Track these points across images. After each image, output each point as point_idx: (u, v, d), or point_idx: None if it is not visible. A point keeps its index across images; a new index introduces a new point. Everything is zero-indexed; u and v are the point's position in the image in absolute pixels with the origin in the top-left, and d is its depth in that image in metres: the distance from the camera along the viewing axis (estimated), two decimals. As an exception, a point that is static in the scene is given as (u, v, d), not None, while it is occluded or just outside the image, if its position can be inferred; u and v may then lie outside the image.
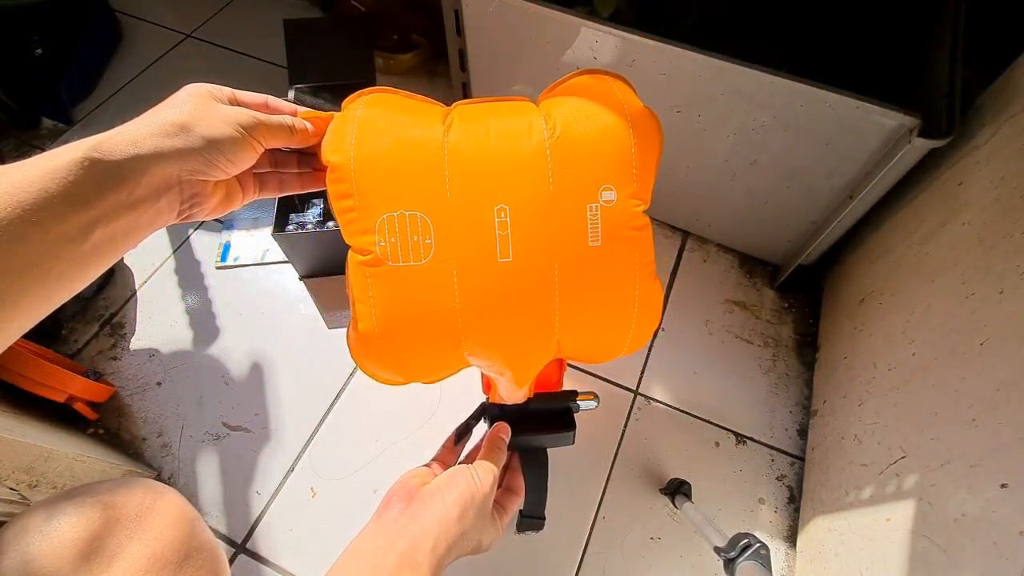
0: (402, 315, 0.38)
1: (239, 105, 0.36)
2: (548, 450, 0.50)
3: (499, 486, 0.46)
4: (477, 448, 0.47)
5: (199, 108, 0.33)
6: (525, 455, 0.49)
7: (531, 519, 0.50)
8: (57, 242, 0.27)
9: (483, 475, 0.41)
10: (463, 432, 0.49)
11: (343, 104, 0.40)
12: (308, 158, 0.42)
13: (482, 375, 0.54)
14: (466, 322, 0.38)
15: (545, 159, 0.37)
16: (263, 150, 0.36)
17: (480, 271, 0.37)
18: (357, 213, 0.37)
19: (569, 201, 0.37)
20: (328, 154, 0.37)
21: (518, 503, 0.47)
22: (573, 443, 0.50)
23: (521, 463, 0.49)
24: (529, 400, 0.49)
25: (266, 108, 0.38)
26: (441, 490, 0.39)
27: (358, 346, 0.39)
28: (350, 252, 0.38)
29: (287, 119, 0.37)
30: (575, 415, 0.52)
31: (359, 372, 0.82)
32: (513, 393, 0.46)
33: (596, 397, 0.53)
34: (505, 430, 0.47)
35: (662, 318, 0.86)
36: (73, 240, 0.27)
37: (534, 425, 0.49)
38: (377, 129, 0.38)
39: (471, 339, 0.39)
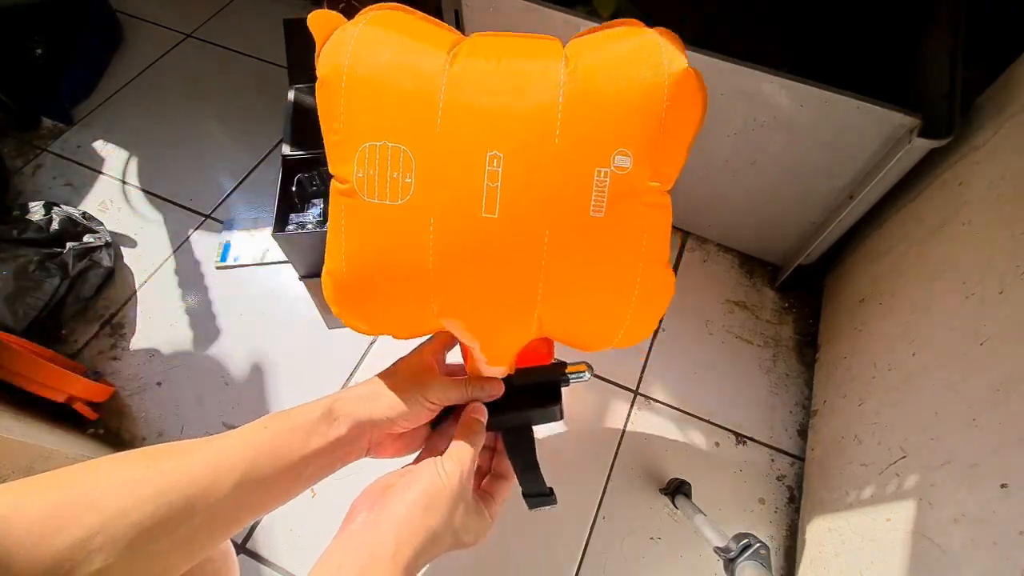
0: (370, 258, 0.36)
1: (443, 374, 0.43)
2: (545, 437, 0.47)
3: (486, 472, 0.45)
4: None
5: (407, 393, 0.41)
6: (508, 435, 0.46)
7: (535, 497, 0.47)
8: (290, 482, 0.35)
9: (450, 466, 0.38)
10: (438, 418, 0.46)
11: (357, 16, 0.37)
12: None
13: (460, 342, 0.49)
14: (437, 278, 0.35)
15: (555, 109, 0.32)
16: (438, 409, 0.42)
17: (459, 223, 0.33)
18: (342, 136, 0.34)
19: (574, 160, 0.32)
20: (321, 67, 0.35)
21: (508, 487, 0.44)
22: (561, 418, 0.46)
23: (505, 444, 0.46)
24: (512, 375, 0.46)
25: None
26: (401, 490, 0.36)
27: (326, 285, 0.38)
28: (332, 180, 0.36)
29: (466, 390, 0.43)
30: (567, 387, 0.47)
31: (359, 371, 0.82)
32: (488, 368, 0.43)
33: (589, 368, 0.48)
34: (479, 411, 0.43)
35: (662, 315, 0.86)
36: (299, 476, 0.35)
37: (515, 401, 0.45)
38: (376, 47, 0.34)
39: (440, 298, 0.36)
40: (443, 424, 0.45)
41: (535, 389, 0.46)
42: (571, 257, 0.34)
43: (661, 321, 0.86)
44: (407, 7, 0.37)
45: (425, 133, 0.33)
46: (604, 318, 0.37)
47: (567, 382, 0.47)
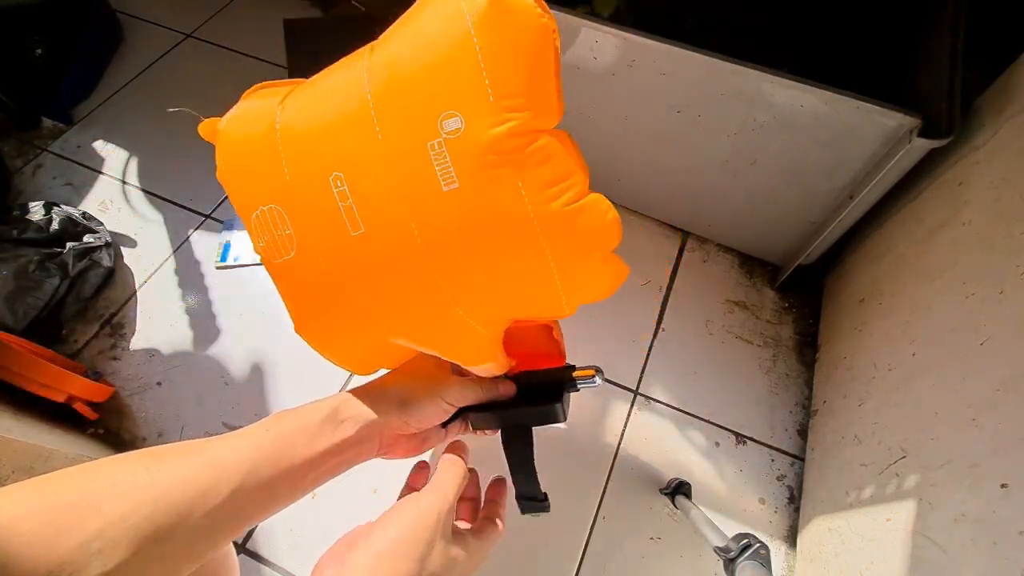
0: (304, 310, 0.38)
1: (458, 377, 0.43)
2: (545, 437, 0.47)
3: (478, 515, 0.43)
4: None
5: (423, 392, 0.41)
6: (507, 433, 0.45)
7: (529, 501, 0.47)
8: (294, 484, 0.35)
9: (429, 500, 0.35)
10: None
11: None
12: None
13: None
14: (356, 308, 0.36)
15: (367, 105, 0.31)
16: (454, 410, 0.43)
17: (339, 252, 0.34)
18: (244, 219, 0.37)
19: (402, 146, 0.31)
20: (217, 173, 0.38)
21: (498, 532, 0.41)
22: (564, 420, 0.44)
23: (503, 443, 0.46)
24: (519, 375, 0.46)
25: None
26: (368, 539, 0.33)
27: None
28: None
29: (481, 390, 0.43)
30: (575, 392, 0.46)
31: (359, 372, 0.82)
32: (478, 370, 0.43)
33: (599, 372, 0.45)
34: (462, 448, 0.42)
35: (662, 315, 0.86)
36: (304, 478, 0.35)
37: (517, 400, 0.45)
38: (233, 136, 0.37)
39: (373, 325, 0.37)
40: (452, 423, 0.46)
41: (539, 389, 0.46)
42: (450, 241, 0.32)
43: (662, 319, 0.86)
44: (273, 82, 0.40)
45: (280, 185, 0.34)
46: (530, 287, 0.35)
47: (575, 386, 0.46)
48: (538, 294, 0.35)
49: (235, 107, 0.39)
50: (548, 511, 0.47)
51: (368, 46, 0.35)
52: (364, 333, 0.37)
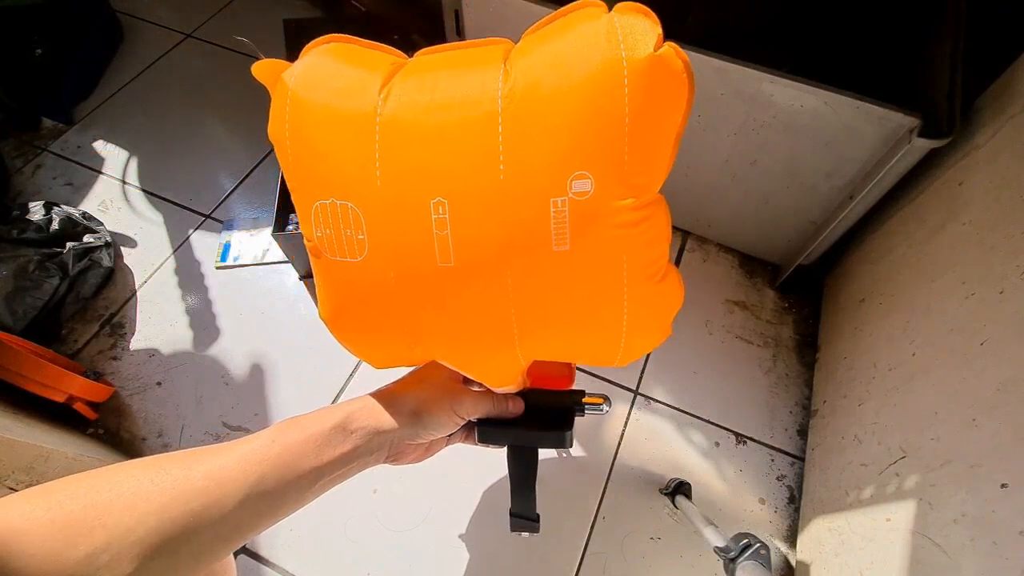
0: (346, 310, 0.36)
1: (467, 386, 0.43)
2: (543, 450, 0.48)
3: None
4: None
5: (436, 403, 0.41)
6: (513, 451, 0.46)
7: (521, 519, 0.48)
8: (301, 493, 0.35)
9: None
10: None
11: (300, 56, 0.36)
12: None
13: None
14: (411, 327, 0.34)
15: (495, 134, 0.28)
16: (464, 422, 0.43)
17: (418, 276, 0.31)
18: (297, 196, 0.33)
19: (525, 195, 0.28)
20: (269, 128, 0.33)
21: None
22: (570, 445, 0.46)
23: (508, 460, 0.46)
24: (528, 392, 0.46)
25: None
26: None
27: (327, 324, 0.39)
28: (304, 237, 0.36)
29: (493, 405, 0.43)
30: (580, 417, 0.48)
31: (359, 372, 0.82)
32: (496, 388, 0.43)
33: (607, 400, 0.47)
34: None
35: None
36: (311, 487, 0.35)
37: (528, 420, 0.46)
38: (310, 100, 0.32)
39: (421, 344, 0.36)
40: (456, 433, 0.46)
41: (549, 413, 0.46)
42: (540, 296, 0.31)
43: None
44: (346, 36, 0.35)
45: (367, 187, 0.30)
46: (594, 344, 0.35)
47: (582, 412, 0.47)
48: (601, 350, 0.36)
49: (307, 61, 0.33)
50: (537, 532, 0.48)
51: (499, 48, 0.31)
52: (407, 345, 0.36)
